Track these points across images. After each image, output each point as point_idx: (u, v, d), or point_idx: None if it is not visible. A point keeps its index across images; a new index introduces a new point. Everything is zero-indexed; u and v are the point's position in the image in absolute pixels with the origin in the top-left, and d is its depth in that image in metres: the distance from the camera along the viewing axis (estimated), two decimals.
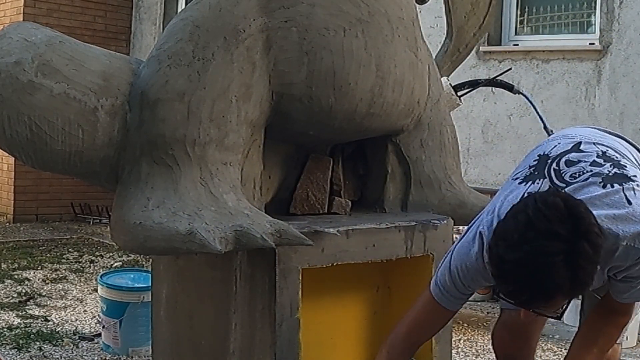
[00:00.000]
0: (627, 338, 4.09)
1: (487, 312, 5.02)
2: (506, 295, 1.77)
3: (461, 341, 4.30)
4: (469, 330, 4.55)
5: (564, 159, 1.94)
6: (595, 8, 5.56)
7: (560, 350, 4.12)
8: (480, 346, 4.24)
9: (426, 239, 2.56)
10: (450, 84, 3.39)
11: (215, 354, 2.39)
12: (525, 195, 1.85)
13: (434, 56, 2.97)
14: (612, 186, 1.85)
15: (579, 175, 1.89)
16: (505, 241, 1.68)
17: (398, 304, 2.71)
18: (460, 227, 5.48)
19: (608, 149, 1.97)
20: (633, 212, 1.81)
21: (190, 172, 2.22)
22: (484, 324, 4.71)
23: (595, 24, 5.56)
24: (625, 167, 1.92)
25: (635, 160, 2.05)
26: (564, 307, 1.79)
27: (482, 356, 4.06)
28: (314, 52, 2.38)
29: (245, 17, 2.34)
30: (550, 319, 2.10)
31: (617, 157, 1.95)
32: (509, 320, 2.34)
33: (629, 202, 1.82)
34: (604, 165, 1.91)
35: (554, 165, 1.92)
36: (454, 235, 3.14)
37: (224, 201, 2.21)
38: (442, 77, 3.06)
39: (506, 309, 2.36)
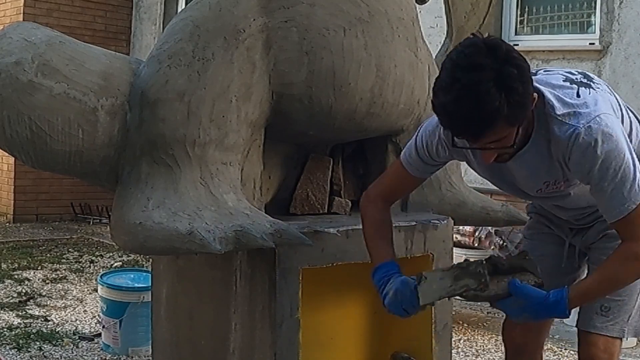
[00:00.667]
0: (627, 338, 4.09)
1: (487, 312, 5.02)
2: (457, 136, 1.90)
3: (461, 341, 4.30)
4: (469, 330, 4.55)
5: (544, 69, 2.10)
6: (595, 8, 5.56)
7: (560, 350, 4.12)
8: (480, 346, 4.24)
9: (426, 239, 2.56)
10: None
11: (215, 354, 2.39)
12: None
13: (434, 56, 2.97)
14: (571, 84, 1.98)
15: (550, 72, 2.05)
16: (440, 89, 1.83)
17: None
18: (460, 227, 5.49)
19: (591, 74, 2.10)
20: (577, 100, 1.94)
21: (191, 172, 2.22)
22: (484, 324, 4.71)
23: (595, 24, 5.56)
24: (595, 81, 2.03)
25: (615, 96, 2.10)
26: (515, 138, 1.88)
27: (482, 356, 4.06)
28: (314, 52, 2.38)
29: (245, 17, 2.34)
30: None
31: (592, 77, 2.06)
32: (600, 346, 2.31)
33: (578, 95, 1.95)
34: (576, 75, 2.04)
35: (533, 72, 2.01)
36: (454, 235, 3.14)
37: (224, 201, 2.21)
38: None
39: (584, 337, 2.32)
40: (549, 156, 1.98)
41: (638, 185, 1.90)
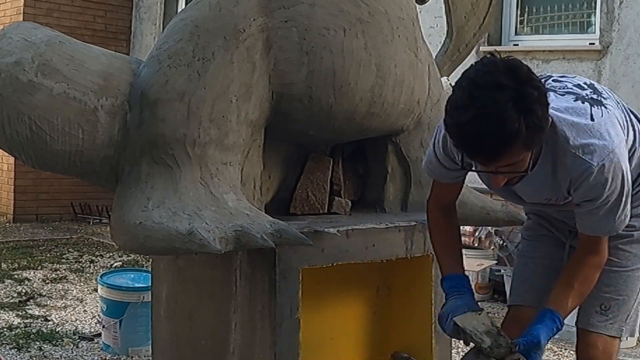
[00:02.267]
0: (627, 338, 4.09)
1: (487, 312, 5.02)
2: (471, 158, 1.82)
3: (461, 341, 4.30)
4: None
5: (552, 78, 2.05)
6: (595, 8, 5.56)
7: (560, 350, 4.12)
8: None
9: (426, 239, 2.56)
10: (450, 84, 3.39)
11: (215, 354, 2.39)
12: None
13: (434, 56, 2.97)
14: (583, 103, 1.94)
15: (557, 88, 1.99)
16: (456, 108, 1.75)
17: (398, 304, 2.72)
18: (461, 227, 5.47)
19: (597, 86, 2.06)
20: (591, 127, 1.89)
21: (190, 172, 2.22)
22: None
23: (595, 24, 5.55)
24: (605, 98, 2.00)
25: (623, 107, 2.10)
26: (529, 163, 1.84)
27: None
28: (314, 52, 2.38)
29: (245, 17, 2.34)
30: None
31: (601, 91, 2.03)
32: (518, 314, 2.34)
33: (592, 119, 1.90)
34: (586, 89, 2.00)
35: (543, 80, 1.96)
36: None
37: (224, 201, 2.21)
38: (442, 77, 3.06)
39: (514, 304, 2.37)
40: (553, 177, 1.96)
41: (625, 215, 1.96)
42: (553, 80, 2.03)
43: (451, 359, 2.71)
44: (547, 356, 4.03)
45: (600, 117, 1.93)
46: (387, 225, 2.48)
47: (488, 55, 1.82)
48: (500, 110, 1.69)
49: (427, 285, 2.58)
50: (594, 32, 5.53)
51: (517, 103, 1.70)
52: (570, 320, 2.44)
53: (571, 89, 1.99)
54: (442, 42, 3.40)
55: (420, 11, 2.82)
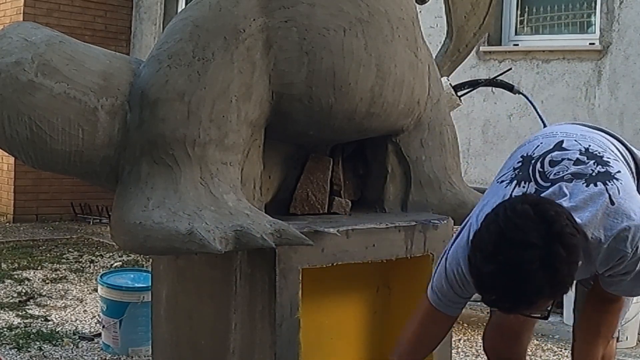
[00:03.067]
0: (627, 338, 4.09)
1: (487, 312, 5.01)
2: (489, 304, 1.79)
3: (461, 341, 4.30)
4: (469, 330, 4.54)
5: (547, 159, 1.94)
6: (595, 8, 5.56)
7: (560, 350, 4.12)
8: (480, 346, 4.23)
9: (426, 239, 2.56)
10: (450, 84, 3.39)
11: (215, 354, 2.39)
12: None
13: (434, 56, 2.97)
14: (596, 185, 1.86)
15: (563, 174, 1.90)
16: (481, 252, 1.71)
17: (398, 304, 2.71)
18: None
19: (590, 144, 1.97)
20: (615, 212, 1.82)
21: (191, 172, 2.22)
22: (484, 324, 4.70)
23: (595, 24, 5.56)
24: (609, 163, 1.92)
25: (620, 153, 2.04)
26: (549, 307, 1.80)
27: (482, 356, 4.06)
28: (314, 52, 2.38)
29: (245, 17, 2.34)
30: (541, 320, 2.12)
31: (600, 153, 1.95)
32: (499, 321, 2.34)
33: (612, 203, 1.83)
34: (588, 163, 1.91)
35: (538, 166, 1.92)
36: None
37: (224, 201, 2.21)
38: (442, 77, 3.06)
39: (494, 310, 2.36)
40: (584, 270, 1.90)
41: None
42: (550, 164, 1.93)
43: (451, 359, 2.71)
44: (547, 356, 4.03)
45: (618, 196, 1.85)
46: (387, 225, 2.48)
47: (521, 200, 1.76)
48: (524, 271, 1.65)
49: (427, 285, 2.58)
50: (594, 32, 5.53)
51: (543, 262, 1.65)
52: (572, 320, 2.44)
53: (575, 170, 1.90)
54: (442, 42, 3.40)
55: (420, 11, 2.82)
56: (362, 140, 2.75)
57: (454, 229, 2.77)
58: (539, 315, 1.82)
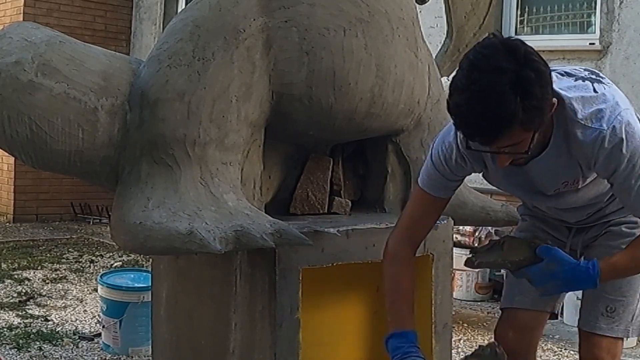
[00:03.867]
0: (632, 336, 4.08)
1: (487, 312, 5.02)
2: (470, 137, 1.85)
3: (461, 341, 4.30)
4: (469, 330, 4.55)
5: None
6: (595, 8, 5.56)
7: (560, 351, 4.12)
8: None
9: (426, 239, 2.56)
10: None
11: (215, 354, 2.39)
12: None
13: (434, 56, 2.97)
14: (584, 81, 1.96)
15: (558, 71, 2.01)
16: (455, 88, 1.78)
17: None
18: (460, 227, 5.48)
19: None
20: (596, 97, 1.91)
21: (191, 172, 2.22)
22: (484, 324, 4.71)
23: (595, 24, 5.56)
24: (603, 79, 2.01)
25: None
26: (530, 144, 1.84)
27: None
28: (314, 52, 2.38)
29: (245, 17, 2.34)
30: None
31: (602, 76, 2.04)
32: (510, 317, 2.34)
33: (595, 91, 1.93)
34: (584, 72, 2.02)
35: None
36: (454, 235, 3.14)
37: (224, 201, 2.21)
38: (442, 77, 3.06)
39: (507, 307, 2.37)
40: (569, 157, 1.95)
41: None
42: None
43: (451, 359, 2.71)
44: (547, 356, 4.03)
45: (603, 90, 1.94)
46: (387, 225, 2.48)
47: (490, 36, 1.83)
48: (497, 94, 1.72)
49: (427, 285, 2.58)
50: (594, 32, 5.53)
51: (514, 85, 1.72)
52: (571, 320, 2.44)
53: (569, 71, 2.02)
54: (442, 42, 3.40)
55: (420, 11, 2.82)
56: (362, 140, 2.75)
57: (454, 229, 2.77)
58: (523, 152, 1.86)
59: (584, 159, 1.93)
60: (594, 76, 2.00)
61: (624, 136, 1.86)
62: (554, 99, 1.83)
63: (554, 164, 1.98)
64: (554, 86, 1.85)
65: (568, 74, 2.00)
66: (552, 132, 1.93)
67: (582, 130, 1.89)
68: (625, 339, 2.27)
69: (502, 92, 1.72)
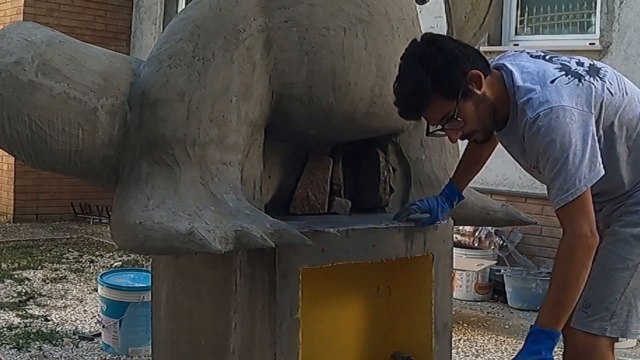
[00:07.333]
0: (627, 338, 4.09)
1: (487, 312, 5.02)
2: (404, 116, 2.21)
3: (461, 341, 4.30)
4: (469, 330, 4.55)
5: (554, 56, 2.24)
6: (595, 8, 5.56)
7: (560, 350, 4.12)
8: (480, 346, 4.24)
9: (426, 239, 2.56)
10: None
11: (215, 354, 2.39)
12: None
13: None
14: (560, 72, 2.11)
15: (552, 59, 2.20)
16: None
17: (398, 304, 2.72)
18: (460, 227, 5.47)
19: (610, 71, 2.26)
20: (544, 88, 2.06)
21: (191, 172, 2.22)
22: (484, 324, 4.71)
23: (595, 24, 5.56)
24: (601, 75, 2.16)
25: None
26: (455, 111, 2.09)
27: (482, 356, 4.06)
28: (314, 52, 2.38)
29: (246, 17, 2.34)
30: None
31: (604, 71, 2.19)
32: (578, 343, 2.26)
33: (552, 82, 2.08)
34: (582, 66, 2.16)
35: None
36: (454, 235, 3.14)
37: (224, 201, 2.21)
38: None
39: (569, 334, 2.27)
40: (521, 138, 2.11)
41: (579, 179, 1.98)
42: (552, 57, 2.20)
43: (451, 359, 2.71)
44: None
45: (563, 84, 2.06)
46: (387, 225, 2.48)
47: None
48: (409, 71, 2.10)
49: (427, 285, 2.58)
50: (594, 32, 5.53)
51: (420, 61, 2.08)
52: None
53: (564, 62, 2.16)
54: None
55: (420, 11, 2.82)
56: (362, 140, 2.75)
57: (454, 229, 2.77)
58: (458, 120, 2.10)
59: (521, 140, 2.10)
60: (581, 70, 2.12)
61: (543, 127, 2.00)
62: (478, 71, 2.08)
63: (515, 142, 2.16)
64: (511, 65, 2.13)
65: (549, 60, 2.16)
66: (508, 110, 2.14)
67: (518, 112, 2.10)
68: (617, 339, 2.24)
69: (412, 69, 2.09)
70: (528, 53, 2.23)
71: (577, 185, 1.99)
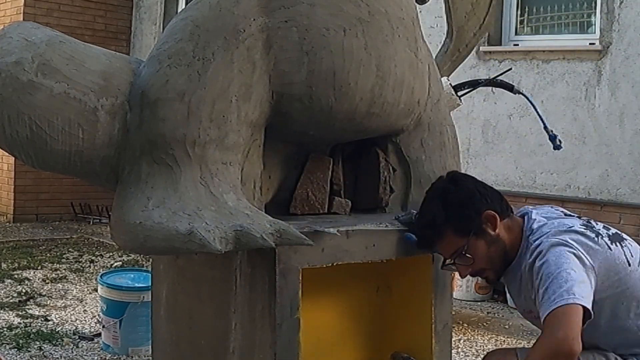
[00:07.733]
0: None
1: (487, 312, 5.02)
2: (420, 247, 2.35)
3: (461, 341, 4.30)
4: (469, 330, 4.55)
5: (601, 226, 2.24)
6: (595, 8, 5.56)
7: None
8: (480, 346, 4.24)
9: None
10: (450, 84, 3.39)
11: (215, 354, 2.39)
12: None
13: (434, 56, 2.97)
14: (585, 230, 2.13)
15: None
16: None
17: (398, 304, 2.72)
18: None
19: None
20: (556, 233, 2.10)
21: (191, 172, 2.22)
22: (484, 324, 4.71)
23: (595, 24, 5.56)
24: (622, 240, 2.16)
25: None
26: (464, 247, 2.18)
27: (482, 356, 4.06)
28: (314, 52, 2.38)
29: (246, 17, 2.34)
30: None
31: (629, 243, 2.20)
32: None
33: (569, 228, 2.12)
34: (600, 229, 2.17)
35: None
36: None
37: (224, 201, 2.21)
38: (442, 77, 3.06)
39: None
40: (526, 279, 2.14)
41: (568, 292, 1.92)
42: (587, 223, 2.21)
43: (451, 359, 2.71)
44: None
45: (578, 234, 2.10)
46: (387, 225, 2.48)
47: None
48: (428, 205, 2.28)
49: (427, 285, 2.58)
50: (594, 32, 5.54)
51: (440, 197, 2.24)
52: None
53: (594, 222, 2.20)
54: (442, 42, 3.40)
55: (420, 11, 2.82)
56: (362, 140, 2.75)
57: None
58: (469, 259, 2.19)
59: (520, 279, 2.18)
60: (604, 231, 2.15)
61: (541, 252, 2.06)
62: (494, 212, 2.17)
63: (515, 281, 2.20)
64: (535, 214, 2.21)
65: (579, 218, 2.21)
66: (517, 254, 2.20)
67: (526, 249, 2.17)
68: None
69: (431, 203, 2.25)
70: (562, 212, 2.28)
71: (566, 296, 1.92)
